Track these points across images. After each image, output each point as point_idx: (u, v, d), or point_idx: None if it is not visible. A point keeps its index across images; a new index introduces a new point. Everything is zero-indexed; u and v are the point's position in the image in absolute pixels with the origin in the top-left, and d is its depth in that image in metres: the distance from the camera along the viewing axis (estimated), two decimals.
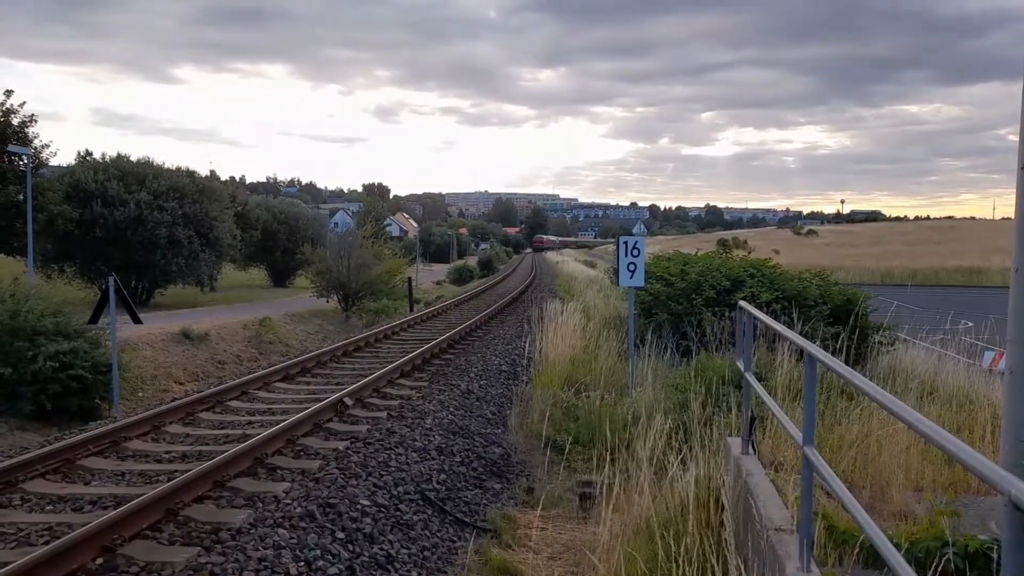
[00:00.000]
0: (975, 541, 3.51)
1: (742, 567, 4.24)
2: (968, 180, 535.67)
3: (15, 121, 24.57)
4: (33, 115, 25.01)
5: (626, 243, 10.23)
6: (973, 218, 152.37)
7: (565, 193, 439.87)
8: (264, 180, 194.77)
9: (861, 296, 11.47)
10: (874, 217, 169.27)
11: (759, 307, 7.59)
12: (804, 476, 3.29)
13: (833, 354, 4.21)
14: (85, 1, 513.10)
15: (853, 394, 6.49)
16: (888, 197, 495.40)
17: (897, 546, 2.73)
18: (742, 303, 5.50)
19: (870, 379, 3.21)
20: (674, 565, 4.14)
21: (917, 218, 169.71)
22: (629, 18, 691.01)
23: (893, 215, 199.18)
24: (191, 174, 31.80)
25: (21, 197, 23.27)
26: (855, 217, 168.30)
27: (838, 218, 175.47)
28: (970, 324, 13.66)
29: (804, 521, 3.24)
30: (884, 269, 57.22)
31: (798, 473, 3.94)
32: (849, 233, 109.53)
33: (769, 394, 4.74)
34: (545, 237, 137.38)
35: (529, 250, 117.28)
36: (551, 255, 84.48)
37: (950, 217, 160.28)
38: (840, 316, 10.52)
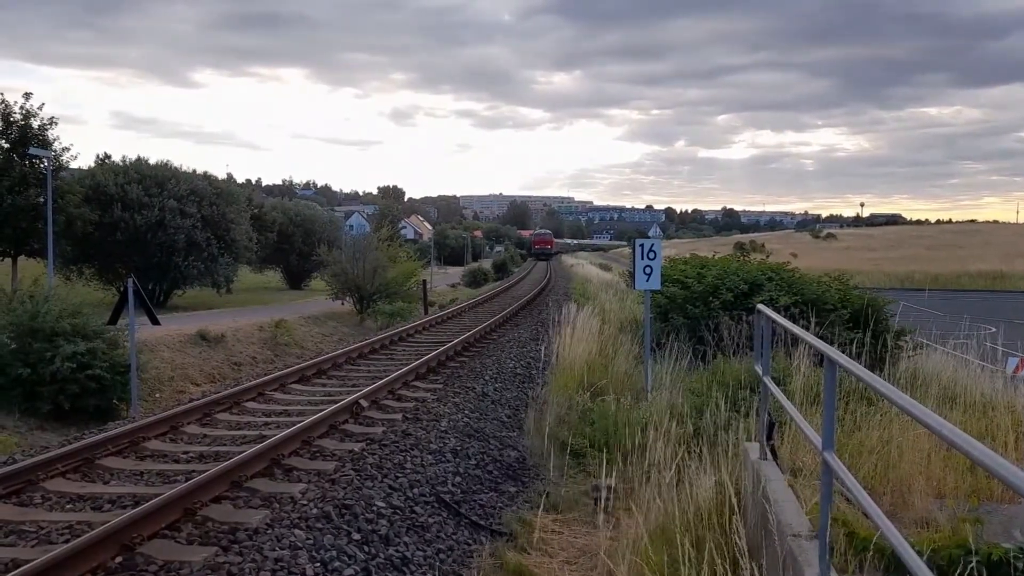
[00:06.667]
0: (999, 549, 3.46)
1: (760, 573, 4.20)
2: (990, 183, 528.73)
3: (35, 124, 24.92)
4: (53, 118, 25.36)
5: (642, 246, 10.19)
6: (996, 221, 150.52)
7: (580, 196, 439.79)
8: (280, 183, 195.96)
9: (881, 301, 11.36)
10: (894, 220, 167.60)
11: (777, 311, 7.53)
12: (824, 481, 3.25)
13: (852, 359, 4.16)
14: (108, 7, 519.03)
15: (873, 399, 6.42)
16: (908, 200, 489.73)
17: (919, 553, 2.69)
18: (760, 306, 5.45)
19: (890, 384, 3.17)
20: (691, 571, 4.11)
21: (939, 221, 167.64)
22: (643, 21, 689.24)
23: (913, 218, 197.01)
24: (208, 177, 32.12)
25: (42, 199, 23.58)
26: (875, 220, 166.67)
27: (857, 221, 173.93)
28: (992, 329, 13.49)
29: (823, 527, 3.21)
30: (904, 273, 56.64)
31: (817, 479, 3.91)
32: (868, 237, 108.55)
33: (787, 398, 4.70)
34: (552, 237, 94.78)
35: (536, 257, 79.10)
36: (566, 258, 74.96)
37: (972, 220, 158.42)
38: (860, 321, 10.41)
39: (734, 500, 4.87)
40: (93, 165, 30.72)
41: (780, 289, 11.41)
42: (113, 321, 11.94)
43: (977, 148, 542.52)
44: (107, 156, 31.42)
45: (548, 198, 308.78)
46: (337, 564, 4.85)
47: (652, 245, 10.21)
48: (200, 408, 8.47)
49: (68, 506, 5.59)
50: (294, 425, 7.35)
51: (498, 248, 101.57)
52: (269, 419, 8.35)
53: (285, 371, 11.03)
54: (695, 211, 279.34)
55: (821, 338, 5.15)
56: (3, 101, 24.62)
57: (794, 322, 6.61)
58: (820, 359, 4.99)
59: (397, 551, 5.34)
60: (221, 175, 44.43)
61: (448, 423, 8.52)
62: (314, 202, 76.93)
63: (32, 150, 23.37)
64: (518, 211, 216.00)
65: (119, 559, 4.54)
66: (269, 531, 5.04)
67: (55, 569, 4.15)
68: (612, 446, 7.42)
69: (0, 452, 8.30)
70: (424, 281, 30.02)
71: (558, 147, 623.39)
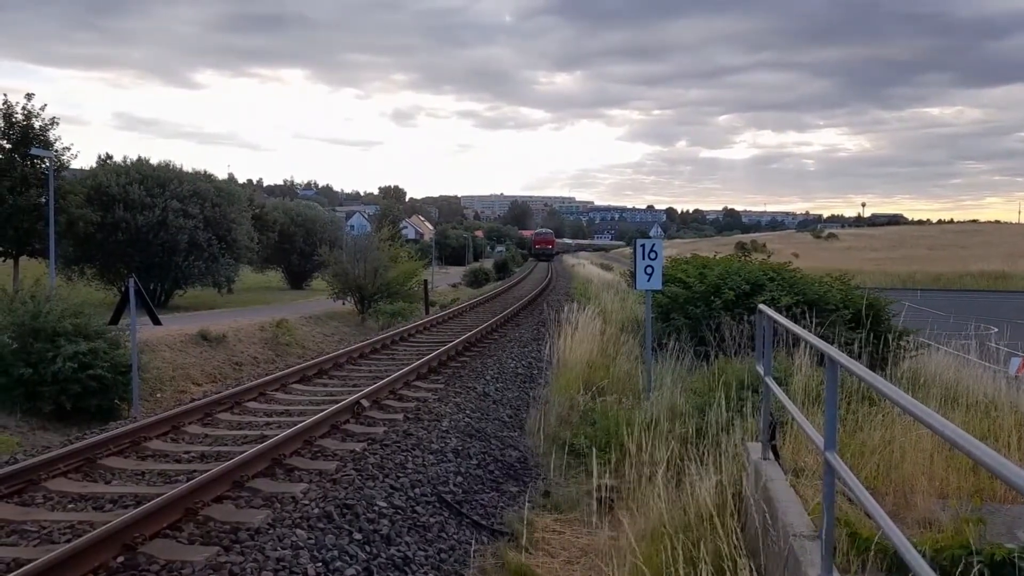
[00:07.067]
0: (1002, 550, 3.45)
1: (762, 574, 4.20)
2: (992, 183, 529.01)
3: (37, 124, 24.97)
4: (54, 118, 25.41)
5: (643, 246, 10.18)
6: (998, 221, 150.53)
7: (581, 196, 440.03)
8: (281, 183, 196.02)
9: (882, 301, 11.34)
10: (896, 220, 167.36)
11: (779, 311, 7.52)
12: (826, 482, 3.25)
13: (854, 359, 4.15)
14: (111, 8, 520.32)
15: (875, 399, 6.41)
16: (910, 200, 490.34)
17: (922, 554, 2.69)
18: (762, 307, 5.45)
19: (892, 384, 3.16)
20: (692, 571, 4.10)
21: (940, 221, 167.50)
22: (644, 21, 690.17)
23: (915, 218, 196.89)
24: (210, 178, 32.14)
25: (43, 200, 23.62)
26: (876, 221, 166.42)
27: (859, 221, 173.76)
28: (995, 330, 13.47)
29: (826, 527, 3.20)
30: (906, 273, 56.57)
31: (819, 479, 3.90)
32: (870, 237, 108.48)
33: (789, 399, 4.70)
34: (553, 237, 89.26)
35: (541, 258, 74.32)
36: (568, 258, 73.50)
37: (974, 221, 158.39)
38: (861, 321, 10.40)
39: (735, 500, 4.86)
40: (95, 166, 30.77)
41: (782, 289, 11.39)
42: (114, 321, 11.95)
43: (979, 148, 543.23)
44: (109, 157, 31.49)
45: (549, 198, 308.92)
46: (339, 564, 4.84)
47: (653, 245, 10.20)
48: (201, 408, 8.47)
49: (70, 506, 5.59)
50: (295, 425, 7.35)
51: (499, 248, 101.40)
52: (270, 419, 8.35)
53: (286, 371, 11.03)
54: (696, 211, 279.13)
55: (822, 338, 5.14)
56: (5, 102, 24.71)
57: (795, 322, 6.61)
58: (821, 359, 4.98)
59: (399, 551, 5.34)
60: (222, 175, 44.55)
61: (449, 423, 8.52)
62: (315, 202, 76.90)
63: (34, 150, 23.41)
64: (519, 211, 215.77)
65: (120, 559, 4.53)
66: (271, 531, 5.04)
67: (57, 569, 4.15)
68: (613, 446, 7.42)
69: (2, 452, 8.31)
70: (425, 281, 30.02)
71: (559, 147, 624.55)
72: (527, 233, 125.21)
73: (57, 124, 25.29)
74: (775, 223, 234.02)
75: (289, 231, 42.48)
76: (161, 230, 27.34)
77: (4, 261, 25.91)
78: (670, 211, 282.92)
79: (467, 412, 9.20)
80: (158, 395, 14.23)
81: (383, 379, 10.08)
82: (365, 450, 7.06)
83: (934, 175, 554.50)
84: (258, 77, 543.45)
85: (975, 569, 3.34)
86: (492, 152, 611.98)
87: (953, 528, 3.87)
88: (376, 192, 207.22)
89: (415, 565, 5.27)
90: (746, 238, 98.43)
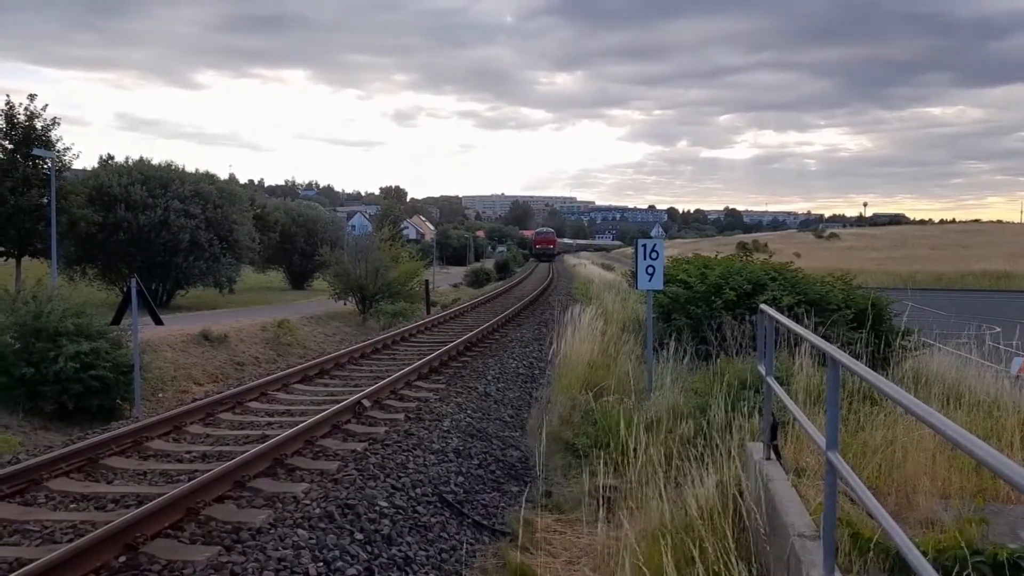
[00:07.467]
0: (1004, 550, 3.45)
1: (764, 574, 4.19)
2: (993, 183, 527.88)
3: (38, 125, 25.00)
4: (56, 118, 25.44)
5: (644, 246, 10.18)
6: (1000, 221, 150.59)
7: (582, 196, 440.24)
8: (282, 183, 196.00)
9: (884, 301, 11.33)
10: (897, 220, 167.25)
11: (780, 311, 7.51)
12: (828, 482, 3.24)
13: (855, 358, 4.14)
14: (113, 9, 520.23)
15: (877, 399, 6.40)
16: (911, 200, 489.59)
17: (924, 554, 2.68)
18: (763, 307, 5.44)
19: (894, 384, 3.15)
20: (693, 571, 4.10)
21: (942, 221, 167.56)
22: (644, 22, 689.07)
23: (917, 218, 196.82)
24: (211, 178, 32.16)
25: (45, 200, 23.65)
26: (878, 220, 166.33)
27: (860, 221, 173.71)
28: (998, 329, 13.46)
29: (828, 528, 3.20)
30: (907, 273, 56.46)
31: (821, 479, 3.89)
32: (872, 236, 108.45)
33: (791, 398, 4.69)
34: (555, 236, 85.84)
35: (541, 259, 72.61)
36: (569, 258, 73.06)
37: (976, 220, 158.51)
38: (863, 320, 10.39)
39: (737, 500, 4.86)
40: (96, 166, 30.80)
41: (783, 289, 11.37)
42: (116, 321, 11.96)
43: (980, 148, 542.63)
44: (111, 157, 31.49)
45: (550, 198, 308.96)
46: (340, 564, 4.84)
47: (655, 245, 10.20)
48: (203, 408, 8.48)
49: (72, 506, 5.59)
50: (297, 425, 7.35)
51: (500, 248, 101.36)
52: (272, 419, 8.36)
53: (288, 371, 11.04)
54: (698, 211, 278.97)
55: (824, 338, 5.14)
56: (8, 103, 24.75)
57: (797, 322, 6.60)
58: (823, 359, 4.97)
59: (400, 551, 5.34)
60: (224, 176, 44.59)
61: (451, 423, 8.52)
62: (316, 202, 76.94)
63: (36, 151, 23.44)
64: (520, 211, 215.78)
65: (122, 559, 4.54)
66: (272, 531, 5.04)
67: (58, 568, 4.15)
68: (614, 446, 7.41)
69: (4, 451, 8.32)
70: (426, 281, 30.02)
71: (560, 147, 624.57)
72: (528, 233, 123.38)
73: (59, 125, 25.37)
74: (777, 223, 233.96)
75: (290, 231, 42.49)
76: (163, 230, 27.36)
77: (6, 261, 25.95)
78: (671, 211, 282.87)
79: (468, 412, 9.20)
80: (160, 395, 14.25)
81: (384, 379, 10.08)
82: (366, 450, 7.07)
83: (935, 175, 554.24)
84: (259, 78, 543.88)
85: (970, 569, 3.34)
86: (493, 152, 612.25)
87: (956, 528, 3.87)
88: (377, 192, 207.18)
89: (416, 565, 5.27)
90: (747, 238, 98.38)
